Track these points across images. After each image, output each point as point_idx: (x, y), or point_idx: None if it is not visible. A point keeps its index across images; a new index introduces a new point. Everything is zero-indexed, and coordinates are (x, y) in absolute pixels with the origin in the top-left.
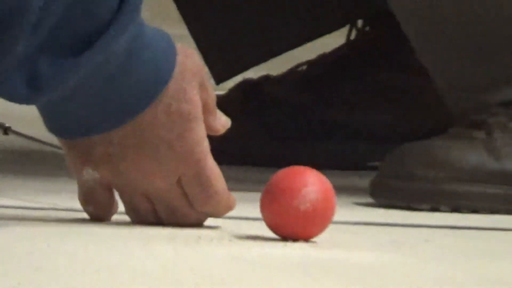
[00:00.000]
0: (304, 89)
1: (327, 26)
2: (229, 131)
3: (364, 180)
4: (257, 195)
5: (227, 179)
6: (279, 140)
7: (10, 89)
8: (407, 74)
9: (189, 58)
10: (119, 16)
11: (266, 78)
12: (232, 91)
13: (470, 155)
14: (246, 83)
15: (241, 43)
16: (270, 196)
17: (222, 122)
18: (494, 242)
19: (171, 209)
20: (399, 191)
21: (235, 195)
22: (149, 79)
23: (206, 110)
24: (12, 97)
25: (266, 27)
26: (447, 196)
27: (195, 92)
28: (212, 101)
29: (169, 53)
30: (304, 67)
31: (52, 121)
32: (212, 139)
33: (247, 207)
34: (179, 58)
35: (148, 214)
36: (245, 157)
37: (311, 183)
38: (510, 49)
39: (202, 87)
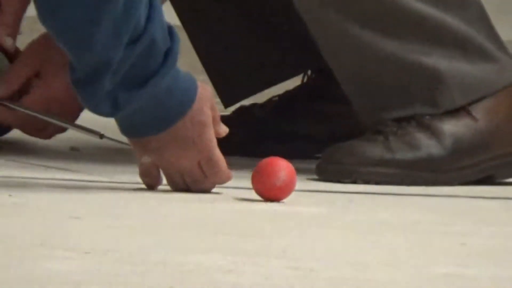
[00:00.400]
0: (276, 112)
1: (295, 71)
2: (228, 136)
3: (312, 165)
4: (248, 174)
5: (229, 163)
6: (260, 140)
7: (101, 109)
8: (338, 103)
9: (204, 89)
10: (164, 65)
11: (254, 105)
12: (232, 112)
13: (375, 149)
14: (241, 107)
15: (243, 77)
16: (258, 176)
17: (224, 129)
18: (389, 201)
19: (194, 180)
20: (333, 171)
21: (233, 172)
22: (181, 102)
23: (214, 121)
24: (102, 114)
25: (262, 65)
26: (361, 174)
27: (208, 110)
28: (218, 116)
29: (193, 87)
30: (276, 98)
31: (124, 127)
32: (219, 140)
33: (241, 181)
34: (199, 90)
35: (181, 184)
36: (239, 150)
37: (283, 168)
38: (386, 86)
39: (212, 107)
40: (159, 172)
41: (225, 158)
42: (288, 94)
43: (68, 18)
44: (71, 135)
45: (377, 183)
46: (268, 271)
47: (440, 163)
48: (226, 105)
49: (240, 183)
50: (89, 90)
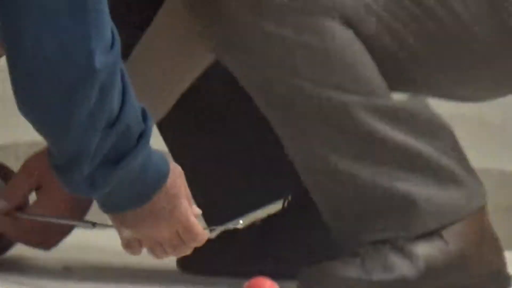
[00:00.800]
0: (260, 236)
1: (276, 197)
2: (215, 257)
3: (294, 285)
4: None
5: (216, 282)
6: (245, 261)
7: (80, 190)
8: (317, 227)
9: (175, 166)
10: (138, 146)
11: (237, 229)
12: (218, 236)
13: (352, 271)
14: (226, 231)
15: (227, 203)
16: None
17: (196, 211)
18: None
19: (174, 248)
20: None
21: None
22: (156, 177)
23: (188, 199)
24: (80, 194)
25: (245, 191)
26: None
27: (180, 183)
28: (189, 194)
29: (165, 163)
30: (260, 222)
31: (102, 203)
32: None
33: None
34: (171, 166)
35: (161, 253)
36: (225, 271)
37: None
38: (362, 211)
39: (183, 184)
40: (140, 243)
41: (212, 277)
42: (268, 220)
43: (44, 110)
44: (64, 254)
45: None
46: None
47: (414, 284)
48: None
49: None
50: (67, 175)
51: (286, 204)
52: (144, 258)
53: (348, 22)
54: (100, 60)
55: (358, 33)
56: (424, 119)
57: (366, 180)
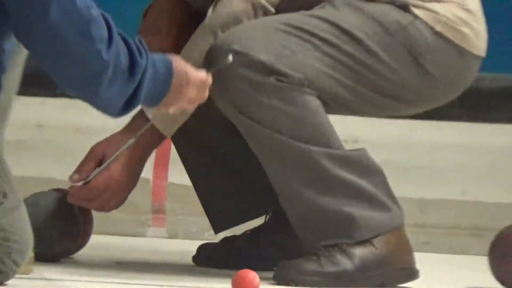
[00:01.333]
0: (248, 241)
1: (262, 212)
2: (217, 256)
3: (271, 274)
4: (229, 279)
5: (218, 273)
6: (238, 259)
7: (127, 111)
8: (289, 235)
9: (172, 56)
10: (144, 59)
11: (233, 236)
12: (219, 241)
13: (311, 265)
14: (225, 238)
15: (227, 214)
16: (237, 279)
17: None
18: None
19: (199, 98)
20: (284, 279)
21: (221, 279)
22: (168, 71)
23: (189, 67)
24: (116, 115)
25: (240, 206)
26: (301, 281)
27: (181, 62)
28: (187, 64)
29: (167, 60)
30: (248, 231)
31: (148, 105)
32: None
33: (225, 282)
34: (170, 57)
35: (193, 106)
36: (224, 265)
37: (252, 276)
38: (319, 225)
39: (182, 61)
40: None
41: (215, 269)
42: (256, 229)
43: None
44: (116, 253)
45: (311, 286)
46: None
47: (352, 275)
48: (216, 231)
49: (225, 284)
50: (114, 108)
51: (267, 218)
52: (173, 256)
53: (314, 90)
54: (105, 55)
55: (319, 94)
56: (364, 164)
57: (323, 205)
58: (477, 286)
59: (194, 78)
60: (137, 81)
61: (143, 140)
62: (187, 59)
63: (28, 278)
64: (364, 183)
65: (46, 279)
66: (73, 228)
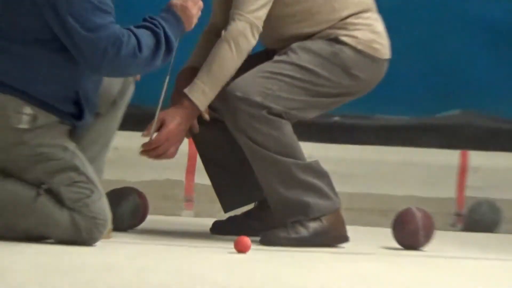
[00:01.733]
0: (246, 218)
1: (256, 198)
2: (225, 228)
3: (257, 238)
4: (231, 242)
5: (224, 239)
6: (238, 229)
7: (166, 61)
8: (270, 214)
9: (171, 2)
10: (159, 27)
11: (235, 215)
12: (226, 219)
13: (281, 233)
14: (230, 217)
15: (234, 198)
16: (237, 246)
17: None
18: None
19: (197, 9)
20: (265, 242)
21: (226, 239)
22: (173, 17)
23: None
24: (166, 62)
25: (245, 192)
26: (276, 243)
27: (177, 2)
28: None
29: (168, 7)
30: (245, 213)
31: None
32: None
33: (229, 244)
34: (170, 4)
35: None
36: (230, 232)
37: (249, 246)
38: (287, 209)
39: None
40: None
41: (222, 236)
42: (248, 211)
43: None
44: (163, 224)
45: (282, 245)
46: None
47: (307, 239)
48: (226, 210)
49: (229, 244)
50: (154, 62)
51: (256, 204)
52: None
53: (289, 115)
54: (124, 53)
55: (291, 114)
56: (317, 170)
57: (290, 196)
58: (392, 245)
59: (188, 4)
60: (163, 44)
61: (187, 113)
62: (209, 64)
63: (109, 241)
64: (316, 182)
65: (121, 242)
66: (136, 212)
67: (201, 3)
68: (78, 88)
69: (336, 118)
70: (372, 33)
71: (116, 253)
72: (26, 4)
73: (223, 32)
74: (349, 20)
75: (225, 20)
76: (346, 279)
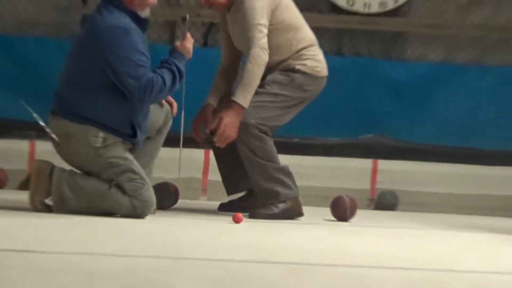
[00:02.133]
0: (240, 201)
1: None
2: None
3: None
4: (230, 216)
5: (224, 213)
6: (234, 208)
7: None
8: (255, 197)
9: (175, 45)
10: (172, 64)
11: (232, 200)
12: (228, 202)
13: (262, 211)
14: (230, 201)
15: (235, 184)
16: (234, 219)
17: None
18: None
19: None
20: (253, 216)
21: (226, 215)
22: (179, 54)
23: (184, 45)
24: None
25: (243, 180)
26: (259, 217)
27: (178, 44)
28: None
29: (174, 48)
30: (240, 196)
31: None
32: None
33: (229, 217)
34: (175, 46)
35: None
36: (229, 210)
37: (241, 219)
38: (264, 194)
39: (179, 44)
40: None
41: (225, 213)
42: (243, 196)
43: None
44: (187, 205)
45: (264, 219)
46: None
47: (278, 215)
48: (228, 194)
49: (229, 216)
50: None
51: (246, 192)
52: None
53: (270, 131)
54: (156, 89)
55: (270, 133)
56: (286, 171)
57: (267, 187)
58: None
59: (183, 44)
60: (177, 75)
61: (236, 111)
62: (242, 79)
63: (154, 216)
64: (284, 178)
65: (160, 216)
66: (171, 197)
67: (192, 40)
68: (132, 118)
69: (296, 139)
70: (315, 61)
71: (159, 223)
72: (93, 64)
73: (247, 57)
74: (301, 52)
75: (231, 62)
76: (301, 239)
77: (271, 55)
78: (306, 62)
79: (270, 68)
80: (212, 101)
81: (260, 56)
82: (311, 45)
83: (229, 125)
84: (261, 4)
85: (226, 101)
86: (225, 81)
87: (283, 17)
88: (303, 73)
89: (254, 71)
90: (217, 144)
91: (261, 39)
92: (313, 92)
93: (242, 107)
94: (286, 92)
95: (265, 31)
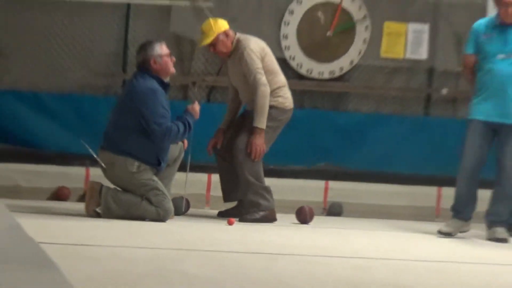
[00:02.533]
0: (237, 208)
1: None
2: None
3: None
4: (225, 221)
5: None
6: (232, 215)
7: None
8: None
9: (187, 107)
10: (186, 117)
11: (228, 209)
12: (231, 208)
13: (249, 216)
14: (228, 209)
15: (231, 193)
16: (228, 222)
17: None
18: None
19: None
20: (242, 221)
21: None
22: (189, 115)
23: (194, 110)
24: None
25: (236, 192)
26: (246, 221)
27: (188, 110)
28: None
29: (186, 110)
30: (233, 206)
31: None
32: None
33: (225, 221)
34: (187, 108)
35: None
36: (228, 216)
37: (233, 222)
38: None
39: (186, 109)
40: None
41: (223, 219)
42: (235, 206)
43: (171, 142)
44: (196, 212)
45: (248, 222)
46: None
47: (259, 220)
48: (224, 201)
49: (224, 222)
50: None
51: (237, 202)
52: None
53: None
54: (173, 135)
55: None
56: (269, 189)
57: (254, 199)
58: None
59: (193, 107)
60: (187, 126)
61: (258, 133)
62: (256, 107)
63: (172, 220)
64: (266, 194)
65: (177, 220)
66: (184, 207)
67: (199, 106)
68: (158, 153)
69: (271, 166)
70: (284, 98)
71: (176, 225)
72: (131, 115)
73: (254, 92)
74: (275, 91)
75: (235, 92)
76: (275, 236)
77: (253, 92)
78: (278, 99)
79: (251, 101)
80: (223, 126)
81: (264, 90)
82: (283, 86)
83: (258, 144)
84: (256, 54)
85: (237, 124)
86: (234, 103)
87: (267, 63)
88: (276, 107)
89: (264, 102)
90: (257, 160)
91: (262, 78)
92: (283, 121)
93: (261, 129)
94: (269, 123)
95: (263, 72)
